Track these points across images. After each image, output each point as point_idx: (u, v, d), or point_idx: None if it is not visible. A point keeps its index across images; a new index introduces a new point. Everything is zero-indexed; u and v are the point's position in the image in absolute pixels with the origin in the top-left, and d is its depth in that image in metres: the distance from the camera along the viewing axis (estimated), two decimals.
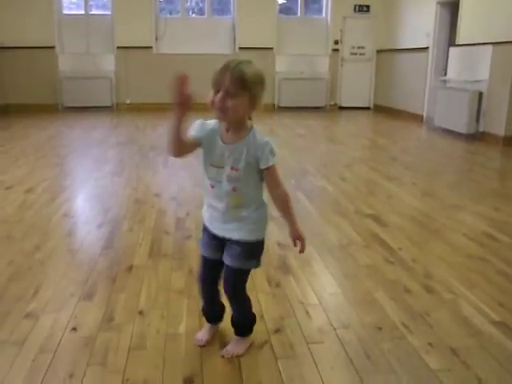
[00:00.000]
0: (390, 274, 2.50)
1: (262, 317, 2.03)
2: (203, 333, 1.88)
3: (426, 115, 8.51)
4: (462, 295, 2.27)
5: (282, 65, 10.15)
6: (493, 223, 3.31)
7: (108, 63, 9.79)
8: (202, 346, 1.83)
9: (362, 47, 10.41)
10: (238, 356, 1.77)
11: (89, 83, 9.55)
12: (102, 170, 4.72)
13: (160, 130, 7.38)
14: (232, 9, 10.08)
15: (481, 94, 6.71)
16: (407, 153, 5.95)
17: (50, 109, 9.43)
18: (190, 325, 1.97)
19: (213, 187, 1.62)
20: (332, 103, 10.48)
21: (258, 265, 1.72)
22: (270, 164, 1.55)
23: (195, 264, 2.56)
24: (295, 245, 1.68)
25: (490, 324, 2.02)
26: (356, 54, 10.42)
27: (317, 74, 10.29)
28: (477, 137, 6.76)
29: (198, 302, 2.14)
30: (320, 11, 10.46)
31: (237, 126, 1.56)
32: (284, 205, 1.63)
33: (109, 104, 9.77)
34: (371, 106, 10.63)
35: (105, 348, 1.80)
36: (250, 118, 1.59)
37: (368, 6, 10.18)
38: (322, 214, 3.49)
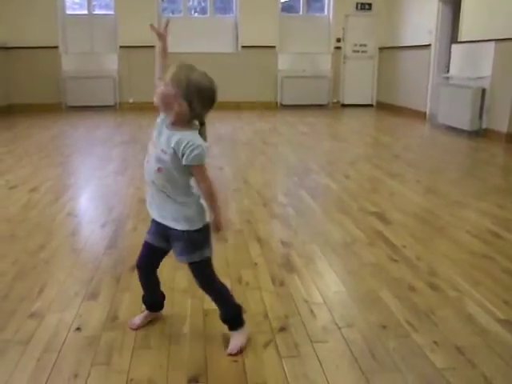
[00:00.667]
0: (395, 271, 2.49)
1: (266, 316, 2.03)
2: (139, 318, 1.97)
3: (428, 112, 8.48)
4: (466, 293, 2.26)
5: (284, 63, 10.14)
6: (497, 220, 3.30)
7: (111, 62, 9.80)
8: (133, 329, 1.92)
9: (365, 45, 10.38)
10: (243, 346, 1.79)
11: (92, 83, 9.56)
12: (106, 169, 4.72)
13: None
14: (234, 7, 10.07)
15: (484, 90, 6.69)
16: (410, 150, 5.93)
17: (54, 108, 9.44)
18: (194, 325, 1.97)
19: (147, 163, 1.74)
20: (335, 101, 10.46)
21: (207, 254, 1.78)
22: (191, 163, 1.64)
23: None
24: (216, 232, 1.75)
25: (496, 322, 2.01)
26: (358, 51, 10.40)
27: (319, 72, 10.28)
28: (480, 133, 6.74)
29: (202, 302, 2.15)
30: (322, 9, 10.44)
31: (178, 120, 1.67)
32: (207, 197, 1.71)
33: (112, 103, 9.78)
34: (374, 104, 10.61)
35: (109, 348, 1.80)
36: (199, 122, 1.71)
37: (370, 4, 10.16)
38: (326, 211, 3.49)
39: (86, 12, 9.75)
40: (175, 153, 1.63)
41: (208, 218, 1.75)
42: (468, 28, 7.20)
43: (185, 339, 1.87)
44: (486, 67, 6.68)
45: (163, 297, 2.02)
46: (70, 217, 3.36)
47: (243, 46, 9.94)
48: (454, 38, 7.78)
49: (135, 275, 2.41)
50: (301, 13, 10.31)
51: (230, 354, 1.77)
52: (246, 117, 8.81)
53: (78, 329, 1.93)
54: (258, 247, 2.78)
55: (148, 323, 1.97)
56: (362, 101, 10.54)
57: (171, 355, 1.77)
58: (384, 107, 10.11)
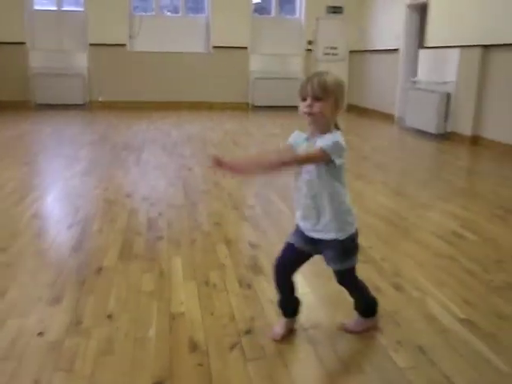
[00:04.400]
0: (360, 272, 2.48)
1: (232, 318, 2.03)
2: (279, 327, 1.92)
3: (397, 115, 8.62)
4: (429, 293, 2.31)
5: (256, 64, 10.16)
6: (461, 222, 3.37)
7: (80, 60, 9.66)
8: (277, 341, 1.87)
9: (335, 48, 10.49)
10: (353, 332, 1.94)
11: (61, 80, 9.40)
12: (73, 170, 4.65)
13: (134, 129, 7.30)
14: (206, 7, 10.04)
15: (449, 95, 6.84)
16: (378, 152, 6.02)
17: (21, 106, 9.23)
18: (160, 328, 1.96)
19: (297, 179, 1.79)
20: None
21: (353, 263, 1.87)
22: (323, 146, 1.64)
23: (166, 265, 2.55)
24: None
25: (456, 321, 2.06)
26: (329, 54, 10.49)
27: (291, 74, 10.33)
28: (445, 136, 6.89)
29: (169, 305, 2.14)
30: (294, 11, 10.50)
31: (323, 128, 1.71)
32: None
33: (81, 102, 9.62)
34: (344, 106, 10.72)
35: (72, 353, 1.77)
36: (337, 127, 1.76)
37: (340, 8, 10.27)
38: (295, 213, 3.49)
39: (54, 8, 9.58)
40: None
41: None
42: (434, 34, 7.35)
43: (150, 343, 1.85)
44: (451, 73, 6.84)
45: (298, 301, 1.97)
46: (35, 218, 3.29)
47: (215, 47, 9.92)
48: (421, 44, 7.93)
49: (100, 278, 2.39)
50: (273, 14, 10.35)
51: (347, 330, 1.95)
52: (217, 117, 8.79)
53: (41, 334, 1.89)
54: (225, 249, 2.78)
55: (112, 328, 1.95)
56: None
57: (135, 360, 1.75)
58: (354, 109, 10.23)
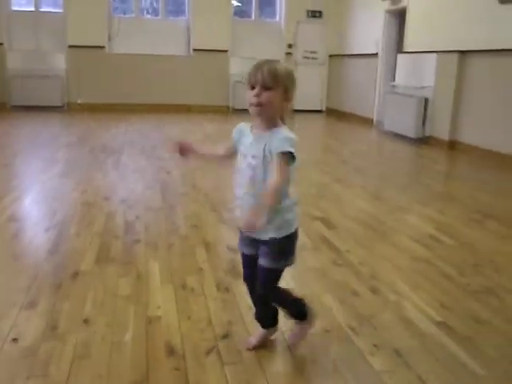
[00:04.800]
0: (338, 276, 2.54)
1: (210, 322, 2.02)
2: (254, 338, 1.88)
3: (375, 119, 8.72)
4: (406, 297, 2.33)
5: (236, 67, 10.16)
6: (438, 225, 3.41)
7: (59, 62, 9.55)
8: (249, 350, 1.84)
9: (315, 52, 10.56)
10: (304, 337, 1.88)
11: (38, 82, 9.28)
12: (51, 172, 4.58)
13: (113, 131, 7.24)
14: (187, 10, 10.02)
15: (426, 99, 6.94)
16: (357, 156, 6.07)
17: None
18: (137, 332, 1.94)
19: (238, 173, 1.68)
20: None
21: (288, 263, 1.72)
22: (281, 150, 1.55)
23: (143, 268, 2.53)
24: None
25: (432, 324, 2.08)
26: (309, 58, 10.56)
27: None
28: (424, 141, 6.98)
29: (146, 309, 2.12)
30: (274, 15, 10.55)
31: (269, 121, 1.61)
32: (269, 190, 1.56)
33: (59, 104, 9.51)
34: (323, 109, 10.79)
35: (47, 358, 1.74)
36: (282, 120, 1.66)
37: (320, 12, 10.35)
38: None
39: (32, 9, 9.46)
40: (268, 156, 1.58)
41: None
42: (412, 39, 7.46)
43: (127, 347, 1.83)
44: (429, 77, 6.94)
45: (276, 311, 1.88)
46: (11, 221, 3.24)
47: (195, 49, 9.91)
48: (399, 48, 8.03)
49: (76, 282, 2.36)
50: (253, 18, 10.38)
51: (290, 344, 1.88)
52: (198, 120, 8.77)
53: (15, 340, 1.85)
54: (204, 252, 2.77)
55: (88, 332, 1.93)
56: (312, 106, 10.70)
57: (112, 364, 1.73)
58: (333, 113, 10.31)
